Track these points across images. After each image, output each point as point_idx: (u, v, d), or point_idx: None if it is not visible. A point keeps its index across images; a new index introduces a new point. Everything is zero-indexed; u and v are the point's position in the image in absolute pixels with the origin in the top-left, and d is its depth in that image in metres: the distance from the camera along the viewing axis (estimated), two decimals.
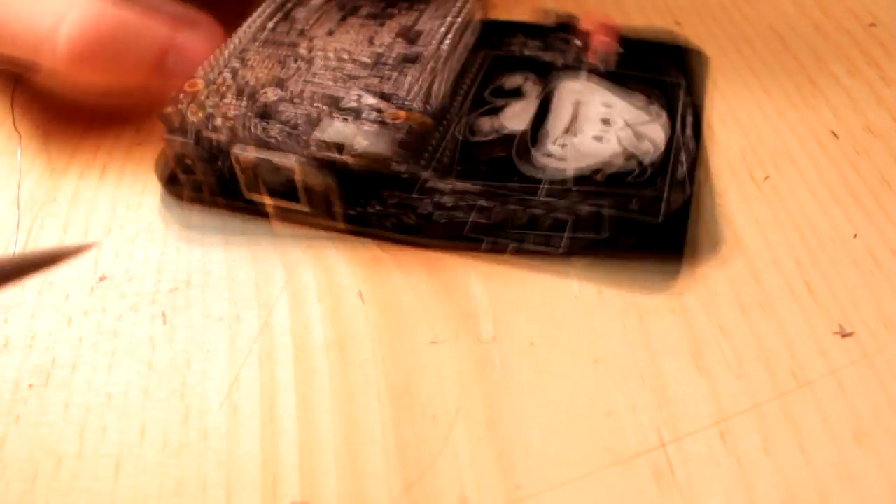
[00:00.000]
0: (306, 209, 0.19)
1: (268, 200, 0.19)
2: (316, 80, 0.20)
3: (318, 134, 0.18)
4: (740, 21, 0.27)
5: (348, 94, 0.20)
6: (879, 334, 0.17)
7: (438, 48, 0.21)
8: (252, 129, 0.18)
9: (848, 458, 0.15)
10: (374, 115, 0.19)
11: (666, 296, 0.18)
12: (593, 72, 0.24)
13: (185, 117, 0.19)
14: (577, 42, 0.25)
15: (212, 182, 0.19)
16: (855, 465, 0.15)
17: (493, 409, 0.16)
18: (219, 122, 0.18)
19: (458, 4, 0.23)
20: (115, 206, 0.21)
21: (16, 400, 0.17)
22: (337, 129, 0.18)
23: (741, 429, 0.15)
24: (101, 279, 0.19)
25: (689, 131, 0.21)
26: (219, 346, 0.17)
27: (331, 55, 0.21)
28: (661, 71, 0.24)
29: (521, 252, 0.18)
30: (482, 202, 0.19)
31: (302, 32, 0.22)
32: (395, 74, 0.20)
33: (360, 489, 0.15)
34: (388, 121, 0.19)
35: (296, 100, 0.19)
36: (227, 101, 0.19)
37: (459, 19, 0.22)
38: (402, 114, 0.19)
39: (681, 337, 0.17)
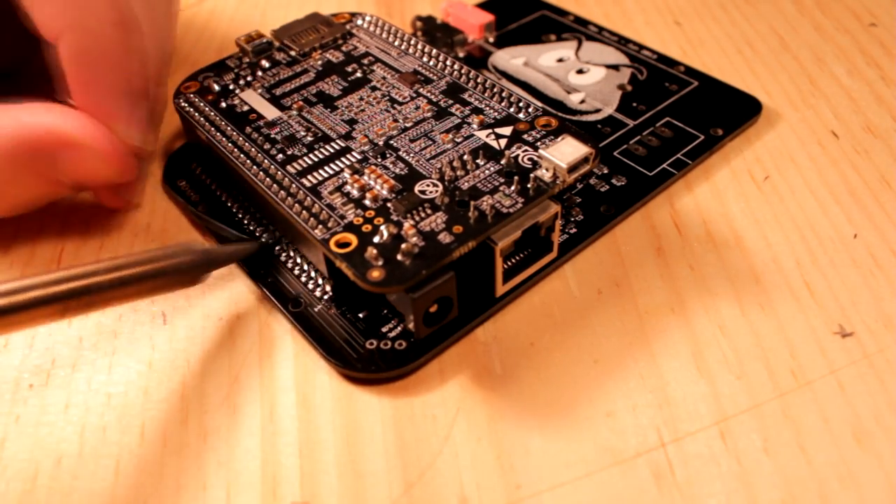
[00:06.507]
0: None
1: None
2: (432, 150, 0.18)
3: (542, 172, 0.17)
4: (740, 21, 0.27)
5: (483, 137, 0.18)
6: (879, 334, 0.17)
7: (452, 69, 0.21)
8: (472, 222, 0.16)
9: (848, 458, 0.15)
10: (538, 134, 0.18)
11: (666, 296, 0.18)
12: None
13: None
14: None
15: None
16: (855, 465, 0.15)
17: (493, 409, 0.16)
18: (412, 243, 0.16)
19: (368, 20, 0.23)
20: None
21: (16, 400, 0.17)
22: (547, 157, 0.17)
23: (741, 429, 0.15)
24: None
25: None
26: (219, 346, 0.17)
27: (407, 141, 0.19)
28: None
29: None
30: None
31: (348, 135, 0.19)
32: (466, 108, 0.19)
33: (360, 489, 0.15)
34: (546, 130, 0.18)
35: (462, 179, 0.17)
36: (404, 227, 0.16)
37: (418, 38, 0.22)
38: (547, 119, 0.19)
39: (681, 337, 0.17)
